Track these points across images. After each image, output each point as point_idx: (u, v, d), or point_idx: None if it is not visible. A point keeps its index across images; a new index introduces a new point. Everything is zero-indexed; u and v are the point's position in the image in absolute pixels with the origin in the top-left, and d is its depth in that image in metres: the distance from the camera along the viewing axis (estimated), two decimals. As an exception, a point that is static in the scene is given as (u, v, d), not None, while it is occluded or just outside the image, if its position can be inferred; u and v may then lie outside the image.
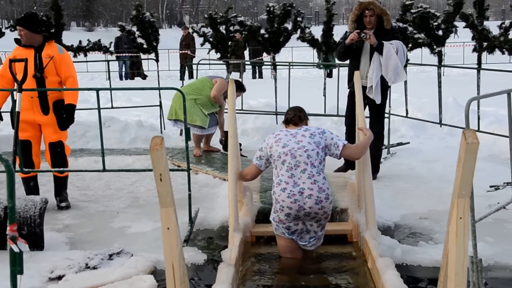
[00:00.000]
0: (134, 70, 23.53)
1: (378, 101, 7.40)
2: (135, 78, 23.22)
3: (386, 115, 9.36)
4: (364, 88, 7.40)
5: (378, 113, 7.48)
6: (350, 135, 7.40)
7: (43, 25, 6.66)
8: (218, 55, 10.60)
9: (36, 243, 5.25)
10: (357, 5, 7.56)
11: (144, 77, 23.54)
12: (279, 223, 5.00)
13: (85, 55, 12.58)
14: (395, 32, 7.60)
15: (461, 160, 2.51)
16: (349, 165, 7.60)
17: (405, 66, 9.60)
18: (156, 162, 2.40)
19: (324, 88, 10.09)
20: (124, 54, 23.42)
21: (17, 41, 6.56)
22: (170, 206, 2.57)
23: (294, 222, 4.93)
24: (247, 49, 21.21)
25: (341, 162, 8.08)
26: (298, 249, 5.08)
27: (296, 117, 5.27)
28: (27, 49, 6.47)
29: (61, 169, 6.50)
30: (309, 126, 5.27)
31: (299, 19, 9.99)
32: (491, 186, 7.09)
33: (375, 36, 7.40)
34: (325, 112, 10.23)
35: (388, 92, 7.72)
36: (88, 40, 12.58)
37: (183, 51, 23.19)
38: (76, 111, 6.60)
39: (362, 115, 5.92)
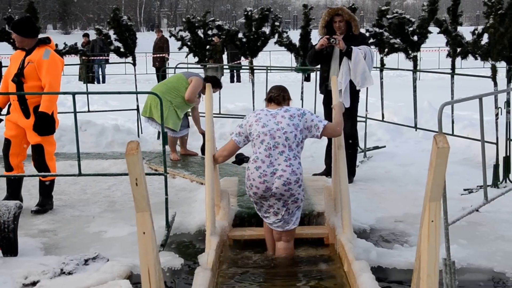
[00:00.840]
0: (89, 74, 23.08)
1: (347, 104, 7.48)
2: (91, 83, 22.79)
3: (363, 119, 9.45)
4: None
5: (349, 117, 7.54)
6: (329, 141, 7.46)
7: (36, 30, 6.62)
8: (196, 59, 10.60)
9: (10, 248, 5.20)
10: (326, 11, 7.71)
11: (99, 81, 23.37)
12: (249, 197, 5.18)
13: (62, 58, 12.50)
14: (364, 37, 7.70)
15: (432, 164, 2.55)
16: (329, 171, 7.66)
17: (382, 70, 9.73)
18: (131, 167, 2.41)
19: (302, 92, 10.13)
20: (100, 58, 23.31)
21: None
22: (146, 211, 2.58)
23: (260, 200, 5.07)
24: (225, 53, 21.27)
25: (320, 167, 8.14)
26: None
27: (280, 96, 5.28)
28: (21, 52, 6.57)
29: (31, 174, 6.46)
30: (290, 107, 5.27)
31: (276, 23, 10.04)
32: (465, 190, 7.18)
33: (344, 42, 7.51)
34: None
35: (359, 96, 7.79)
36: (65, 43, 12.51)
37: (157, 55, 23.06)
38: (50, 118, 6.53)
39: (340, 117, 5.94)
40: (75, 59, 17.12)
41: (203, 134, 8.87)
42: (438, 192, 2.56)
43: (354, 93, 7.58)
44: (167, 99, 8.47)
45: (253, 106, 10.56)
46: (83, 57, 18.11)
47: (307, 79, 19.61)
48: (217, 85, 8.74)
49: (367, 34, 9.13)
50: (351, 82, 7.50)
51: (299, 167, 5.03)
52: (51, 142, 6.65)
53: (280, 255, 5.20)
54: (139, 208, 2.54)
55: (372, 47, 9.67)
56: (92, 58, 22.02)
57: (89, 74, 22.85)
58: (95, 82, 23.39)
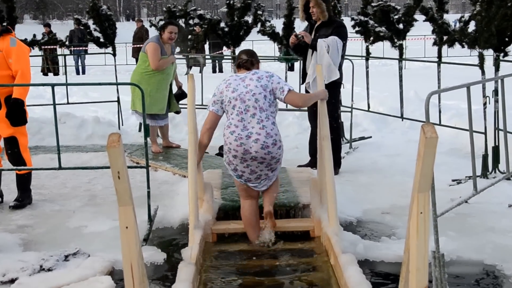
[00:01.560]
0: (49, 65, 22.72)
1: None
2: (49, 74, 22.56)
3: (348, 109, 9.46)
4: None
5: (328, 109, 7.53)
6: (315, 133, 7.44)
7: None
8: (178, 49, 10.54)
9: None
10: None
11: (56, 73, 23.14)
12: (229, 164, 5.30)
13: (40, 49, 12.40)
14: (338, 25, 7.67)
15: (420, 155, 2.54)
16: (314, 162, 7.66)
17: (367, 59, 9.73)
18: (113, 160, 2.39)
19: (285, 80, 10.12)
20: (79, 48, 23.13)
21: None
22: (128, 205, 2.55)
23: (242, 165, 5.19)
24: (207, 43, 21.19)
25: (305, 159, 8.14)
26: (252, 189, 5.37)
27: (248, 62, 5.42)
28: None
29: (9, 168, 6.39)
30: (259, 70, 5.39)
31: (259, 12, 10.00)
32: (453, 180, 7.21)
33: (319, 29, 7.61)
34: (286, 106, 10.26)
35: (337, 88, 7.78)
36: (43, 33, 12.40)
37: (137, 45, 22.92)
38: (30, 107, 6.47)
39: (325, 108, 5.93)
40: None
41: (179, 87, 9.07)
42: (427, 183, 2.55)
43: (327, 86, 7.57)
44: (144, 86, 8.42)
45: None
46: (45, 47, 17.75)
47: (291, 68, 19.63)
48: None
49: (352, 22, 9.12)
50: None
51: (273, 128, 5.17)
52: (24, 133, 6.56)
53: (270, 189, 5.43)
54: (121, 202, 2.52)
55: (358, 35, 9.68)
56: (71, 49, 21.82)
57: (49, 65, 22.46)
58: (79, 74, 23.19)
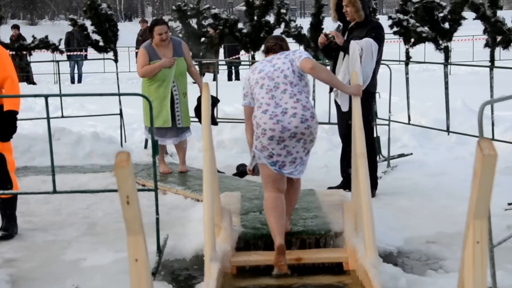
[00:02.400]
0: (23, 73, 22.47)
1: (344, 108, 7.53)
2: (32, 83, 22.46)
3: (385, 122, 9.44)
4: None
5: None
6: (347, 150, 7.43)
7: None
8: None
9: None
10: None
11: (31, 82, 23.19)
12: (261, 150, 5.54)
13: (30, 54, 12.49)
14: (374, 26, 7.68)
15: (477, 175, 2.53)
16: (347, 183, 7.65)
17: (407, 64, 9.72)
18: (122, 182, 2.39)
19: (313, 91, 10.13)
20: (76, 53, 23.32)
21: None
22: (139, 234, 2.56)
23: (279, 147, 5.44)
24: (222, 46, 21.16)
25: (336, 179, 8.13)
26: (283, 179, 5.62)
27: (277, 45, 5.78)
28: None
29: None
30: (286, 51, 5.77)
31: (283, 10, 10.04)
32: (509, 204, 7.16)
33: (353, 30, 7.62)
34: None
35: (371, 98, 7.77)
36: (33, 36, 12.52)
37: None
38: (18, 121, 6.50)
39: (359, 120, 5.92)
40: (46, 54, 17.11)
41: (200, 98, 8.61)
42: (485, 207, 2.54)
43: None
44: (151, 98, 8.52)
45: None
46: (15, 53, 17.62)
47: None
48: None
49: (390, 21, 9.12)
50: None
51: (308, 101, 5.50)
52: (10, 150, 6.58)
53: (293, 194, 5.81)
54: (131, 230, 2.52)
55: (396, 37, 9.68)
56: (68, 54, 21.95)
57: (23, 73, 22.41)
58: (74, 82, 23.33)
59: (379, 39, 7.61)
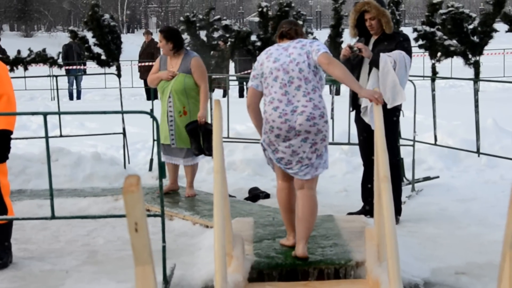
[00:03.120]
0: None
1: (373, 126, 7.50)
2: None
3: (409, 143, 9.43)
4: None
5: (386, 141, 7.53)
6: (369, 169, 7.43)
7: None
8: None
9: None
10: (352, 8, 7.79)
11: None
12: (268, 145, 5.97)
13: (26, 69, 12.54)
14: (402, 38, 7.70)
15: (514, 202, 2.53)
16: (368, 209, 7.64)
17: (433, 80, 9.71)
18: (130, 208, 2.41)
19: (332, 109, 10.13)
20: (75, 67, 23.42)
21: None
22: (148, 264, 2.57)
23: (284, 145, 5.83)
24: (233, 60, 21.16)
25: (356, 204, 8.13)
26: (290, 176, 6.04)
27: (292, 30, 6.08)
28: None
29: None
30: (304, 39, 6.06)
31: (299, 22, 10.06)
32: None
33: (378, 44, 7.64)
34: (333, 139, 10.30)
35: (398, 114, 7.78)
36: (30, 49, 12.57)
37: (145, 63, 23.06)
38: (13, 141, 6.53)
39: (382, 140, 5.93)
40: (43, 69, 17.19)
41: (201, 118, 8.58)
42: (522, 237, 2.54)
43: (387, 111, 7.56)
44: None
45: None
46: None
47: (338, 92, 19.70)
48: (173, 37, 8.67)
49: (415, 34, 9.13)
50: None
51: (321, 101, 5.84)
52: (5, 172, 6.60)
53: (303, 207, 5.93)
54: (139, 260, 2.53)
55: (421, 50, 9.69)
56: (67, 68, 22.05)
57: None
58: (73, 99, 23.39)
59: (410, 51, 7.65)
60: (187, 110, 8.64)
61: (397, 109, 7.68)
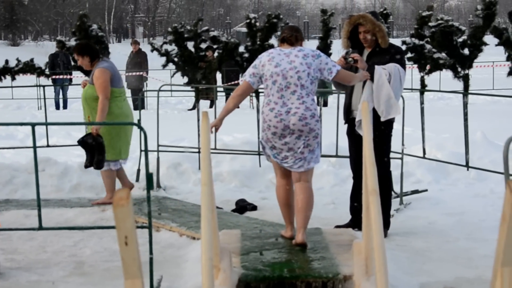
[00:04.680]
0: None
1: None
2: None
3: (397, 156, 9.44)
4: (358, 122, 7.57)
5: (378, 154, 7.55)
6: (358, 183, 7.43)
7: None
8: (186, 79, 10.57)
9: None
10: (347, 20, 7.82)
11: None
12: (266, 142, 6.67)
13: (13, 79, 12.49)
14: (396, 51, 7.72)
15: (505, 219, 2.54)
16: (356, 221, 7.64)
17: (422, 93, 9.76)
18: (121, 221, 2.41)
19: (319, 121, 10.15)
20: (61, 77, 23.38)
21: None
22: (137, 278, 2.57)
23: (280, 142, 6.54)
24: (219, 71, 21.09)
25: (344, 217, 8.13)
26: (287, 173, 6.78)
27: (293, 37, 6.71)
28: None
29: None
30: (304, 47, 6.73)
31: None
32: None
33: (372, 56, 7.65)
34: (320, 152, 10.31)
35: (390, 127, 7.80)
36: (18, 59, 12.52)
37: (132, 73, 23.07)
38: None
39: (371, 152, 5.95)
40: (30, 78, 17.14)
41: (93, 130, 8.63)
42: (514, 253, 2.54)
43: (379, 124, 7.58)
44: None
45: (258, 138, 10.54)
46: None
47: (325, 103, 19.71)
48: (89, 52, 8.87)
49: (404, 46, 9.15)
50: (375, 111, 7.52)
51: (313, 103, 6.58)
52: None
53: (300, 197, 6.63)
54: (129, 274, 2.53)
55: (410, 63, 9.70)
56: (53, 77, 21.98)
57: None
58: (59, 108, 23.31)
59: (404, 64, 7.68)
60: (92, 119, 8.79)
61: (390, 122, 7.71)
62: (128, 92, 23.37)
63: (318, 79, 6.66)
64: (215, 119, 6.89)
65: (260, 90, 9.72)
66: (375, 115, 7.50)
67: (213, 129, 6.78)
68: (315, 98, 6.80)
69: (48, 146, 10.75)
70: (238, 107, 7.47)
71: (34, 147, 6.17)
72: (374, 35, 7.62)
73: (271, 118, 6.52)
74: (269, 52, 6.75)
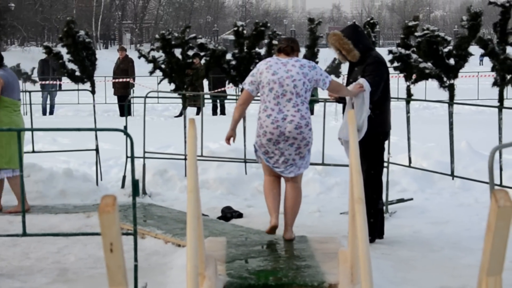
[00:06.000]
0: None
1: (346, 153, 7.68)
2: None
3: (384, 164, 9.44)
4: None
5: (366, 160, 7.57)
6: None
7: None
8: (173, 86, 10.54)
9: None
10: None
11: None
12: (260, 147, 7.00)
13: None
14: (370, 62, 7.71)
15: (490, 228, 2.54)
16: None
17: (408, 102, 9.77)
18: (106, 228, 2.39)
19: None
20: (50, 83, 23.29)
21: None
22: (122, 285, 2.55)
23: (274, 147, 6.89)
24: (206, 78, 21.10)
25: (330, 225, 8.12)
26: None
27: (288, 47, 7.10)
28: None
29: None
30: (300, 58, 7.17)
31: (274, 42, 10.05)
32: (518, 256, 7.16)
33: (352, 68, 7.85)
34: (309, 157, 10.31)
35: (380, 138, 7.83)
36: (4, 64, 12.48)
37: (119, 79, 23.03)
38: None
39: (357, 161, 5.96)
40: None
41: None
42: (499, 263, 2.54)
43: (369, 136, 7.62)
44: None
45: (245, 146, 10.54)
46: None
47: (312, 112, 19.75)
48: None
49: (390, 56, 9.17)
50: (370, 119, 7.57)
51: (307, 112, 6.94)
52: None
53: (290, 196, 7.08)
54: (114, 281, 2.51)
55: (396, 72, 9.73)
56: (42, 83, 21.93)
57: None
58: (46, 114, 23.26)
59: (375, 75, 7.63)
60: None
61: (383, 132, 7.78)
62: (114, 99, 23.52)
63: (312, 88, 7.04)
64: (229, 131, 7.23)
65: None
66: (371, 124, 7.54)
67: (231, 140, 7.29)
68: (309, 106, 7.08)
69: (33, 151, 10.70)
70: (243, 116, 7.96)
71: (20, 153, 6.15)
72: (341, 53, 7.75)
73: (268, 124, 6.85)
74: (266, 61, 7.10)
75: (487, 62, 9.72)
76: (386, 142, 8.26)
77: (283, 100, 6.88)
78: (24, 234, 6.17)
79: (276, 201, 7.15)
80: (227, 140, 7.30)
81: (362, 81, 7.51)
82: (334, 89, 7.30)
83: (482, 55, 8.73)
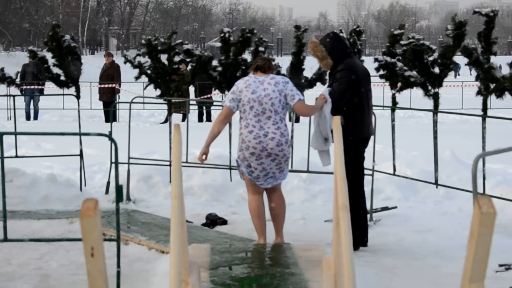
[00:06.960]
0: None
1: (325, 163, 7.91)
2: None
3: (368, 172, 9.45)
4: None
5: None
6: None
7: None
8: (158, 91, 10.52)
9: None
10: None
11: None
12: (243, 161, 7.29)
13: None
14: (337, 70, 7.75)
15: (473, 235, 2.54)
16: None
17: (393, 110, 9.79)
18: (87, 233, 2.37)
19: (292, 137, 10.14)
20: (32, 87, 23.22)
21: None
22: (102, 290, 2.53)
23: (256, 162, 7.19)
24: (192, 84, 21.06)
25: (314, 232, 8.12)
26: (259, 190, 7.46)
27: (265, 65, 7.42)
28: None
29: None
30: (275, 75, 7.48)
31: (261, 48, 10.05)
32: (500, 265, 7.17)
33: (331, 73, 7.89)
34: (292, 166, 10.29)
35: (354, 147, 7.84)
36: (-13, 69, 12.45)
37: (105, 85, 23.00)
38: None
39: (342, 168, 5.95)
40: (1, 88, 17.03)
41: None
42: (482, 270, 2.54)
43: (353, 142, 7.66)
44: None
45: (230, 152, 10.53)
46: None
47: (297, 119, 19.72)
48: None
49: (376, 64, 9.20)
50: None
51: (286, 129, 7.31)
52: None
53: (275, 203, 7.47)
54: (94, 287, 2.49)
55: (382, 80, 9.75)
56: (22, 88, 21.85)
57: None
58: (29, 119, 23.21)
59: (343, 83, 7.67)
60: None
61: (362, 139, 7.81)
62: (100, 104, 23.46)
63: (286, 104, 7.35)
64: (204, 147, 7.38)
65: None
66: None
67: (204, 157, 7.41)
68: (287, 123, 7.48)
69: (16, 156, 10.65)
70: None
71: (2, 157, 6.11)
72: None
73: (250, 140, 7.16)
74: (245, 80, 7.41)
75: (465, 71, 9.74)
76: (370, 150, 8.26)
77: (263, 117, 7.21)
78: (5, 239, 6.14)
79: (263, 221, 7.46)
80: (200, 157, 7.44)
81: (324, 91, 7.63)
82: (299, 109, 7.48)
83: (467, 64, 8.73)
